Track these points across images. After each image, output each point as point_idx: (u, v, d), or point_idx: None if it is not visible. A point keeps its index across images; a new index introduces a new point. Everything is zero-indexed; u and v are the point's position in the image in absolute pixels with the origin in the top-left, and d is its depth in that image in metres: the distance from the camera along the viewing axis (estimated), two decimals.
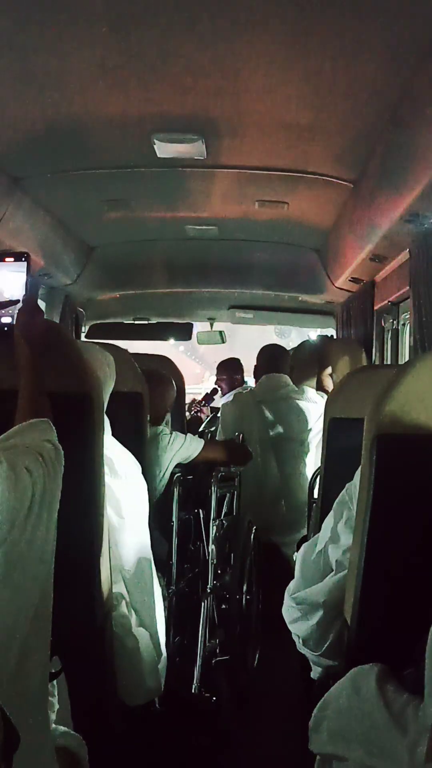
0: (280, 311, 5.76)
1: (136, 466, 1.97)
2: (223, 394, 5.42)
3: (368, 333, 4.19)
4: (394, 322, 4.00)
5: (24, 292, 1.68)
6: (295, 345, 5.46)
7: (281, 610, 1.97)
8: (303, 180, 3.05)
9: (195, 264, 4.81)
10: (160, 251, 4.60)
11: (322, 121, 2.46)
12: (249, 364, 4.90)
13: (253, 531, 3.34)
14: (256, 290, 5.26)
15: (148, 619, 1.95)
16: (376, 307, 4.11)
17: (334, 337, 5.24)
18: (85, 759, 1.41)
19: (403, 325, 3.95)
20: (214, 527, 2.98)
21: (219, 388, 5.59)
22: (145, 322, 5.97)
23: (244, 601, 3.07)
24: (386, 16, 1.75)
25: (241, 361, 5.52)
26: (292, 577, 1.97)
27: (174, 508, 2.92)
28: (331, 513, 1.83)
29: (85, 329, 5.53)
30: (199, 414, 5.97)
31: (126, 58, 2.05)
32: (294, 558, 2.14)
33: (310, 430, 3.76)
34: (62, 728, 1.42)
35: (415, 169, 2.34)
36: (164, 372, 3.39)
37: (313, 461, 3.71)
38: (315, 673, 1.95)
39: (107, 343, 2.45)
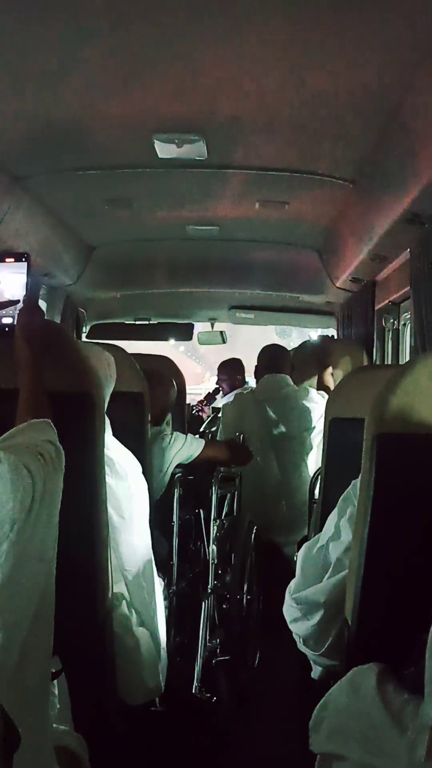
0: (280, 311, 5.77)
1: (136, 466, 1.97)
2: (224, 394, 5.42)
3: (369, 333, 4.19)
4: (395, 321, 4.00)
5: (24, 293, 1.69)
6: (296, 345, 5.47)
7: (281, 610, 1.97)
8: (304, 180, 3.06)
9: (196, 264, 4.81)
10: (161, 251, 4.60)
11: (322, 121, 2.46)
12: (250, 364, 4.90)
13: (254, 531, 3.34)
14: (257, 290, 5.26)
15: (149, 618, 1.95)
16: (376, 307, 4.11)
17: (335, 337, 5.24)
18: (85, 759, 1.41)
19: (404, 325, 3.95)
20: (215, 527, 2.98)
21: (220, 388, 5.59)
22: (146, 322, 5.97)
23: (244, 601, 3.07)
24: (387, 15, 1.75)
25: (242, 362, 5.52)
26: (293, 577, 1.97)
27: (175, 508, 2.92)
28: (335, 509, 1.83)
29: (86, 329, 5.53)
30: (200, 414, 5.97)
31: (127, 58, 2.05)
32: (295, 558, 2.14)
33: (311, 430, 3.76)
34: (62, 728, 1.42)
35: (415, 169, 2.34)
36: (165, 372, 3.39)
37: (313, 461, 3.71)
38: (315, 672, 1.95)
39: (108, 343, 2.45)
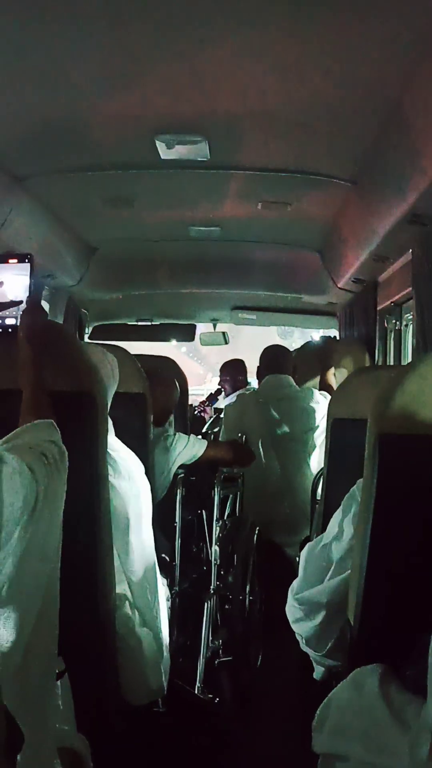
0: (282, 312, 5.77)
1: (139, 467, 1.97)
2: (227, 395, 5.42)
3: (371, 333, 4.19)
4: (397, 322, 4.00)
5: (27, 294, 1.69)
6: (298, 346, 5.47)
7: (284, 611, 1.97)
8: (306, 180, 3.06)
9: (198, 265, 4.81)
10: (163, 252, 4.60)
11: (324, 122, 2.46)
12: (252, 364, 4.90)
13: (256, 531, 3.34)
14: (259, 291, 5.27)
15: (152, 619, 1.95)
16: (378, 308, 4.11)
17: (337, 337, 5.25)
18: (87, 759, 1.42)
19: (406, 325, 3.95)
20: (217, 528, 2.98)
21: (222, 389, 5.59)
22: (148, 323, 5.98)
23: (246, 602, 3.07)
24: (387, 15, 1.76)
25: (245, 362, 5.52)
26: (295, 578, 1.97)
27: (177, 509, 2.92)
28: (340, 508, 1.83)
29: (88, 330, 5.54)
30: (202, 414, 5.97)
31: (128, 58, 2.05)
32: (297, 558, 2.14)
33: (314, 430, 3.76)
34: (65, 728, 1.42)
35: (417, 170, 2.34)
36: (167, 373, 3.39)
37: (316, 462, 3.71)
38: (318, 673, 1.95)
39: (110, 344, 2.45)
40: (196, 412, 5.93)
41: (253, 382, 4.90)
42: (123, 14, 1.81)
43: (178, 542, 2.89)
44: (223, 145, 2.70)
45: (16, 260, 1.71)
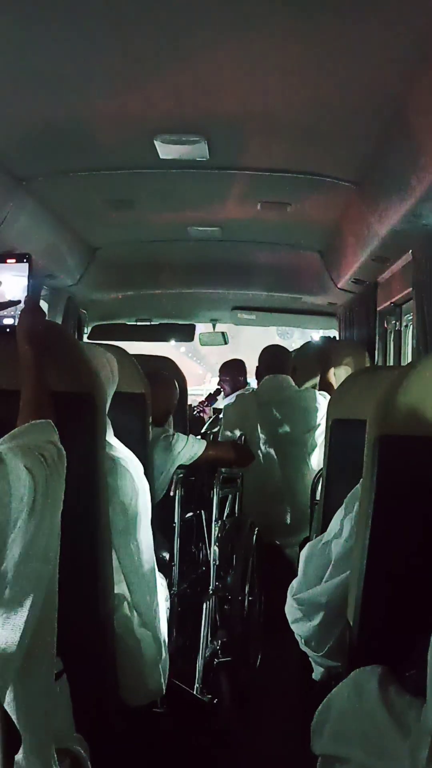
0: (282, 312, 5.77)
1: (138, 467, 1.97)
2: (226, 395, 5.42)
3: (371, 334, 4.19)
4: (397, 323, 4.00)
5: (26, 293, 1.69)
6: (298, 346, 5.47)
7: (283, 612, 1.97)
8: (306, 181, 3.06)
9: (198, 265, 4.81)
10: (163, 252, 4.60)
11: (325, 123, 2.46)
12: (251, 365, 4.90)
13: (256, 532, 3.34)
14: (259, 291, 5.27)
15: (150, 619, 1.94)
16: (378, 309, 4.11)
17: (337, 338, 5.25)
18: (86, 760, 1.41)
19: (406, 326, 3.95)
20: (216, 528, 2.98)
21: (222, 389, 5.59)
22: (148, 323, 5.98)
23: (246, 603, 3.07)
24: (389, 16, 1.75)
25: (245, 363, 5.52)
26: (295, 578, 1.97)
27: (176, 509, 2.92)
28: (342, 507, 1.83)
29: (87, 330, 5.54)
30: (201, 414, 5.97)
31: (129, 59, 2.05)
32: (296, 559, 2.14)
33: (313, 430, 3.76)
34: (64, 729, 1.42)
35: (417, 171, 2.34)
36: (167, 373, 3.39)
37: (315, 462, 3.71)
38: (317, 674, 1.95)
39: (109, 344, 2.45)
40: (195, 412, 5.93)
41: (253, 382, 4.90)
42: (124, 16, 1.81)
43: (177, 543, 2.89)
44: (223, 145, 2.70)
45: (14, 260, 1.71)
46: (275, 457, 3.80)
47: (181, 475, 2.99)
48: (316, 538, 2.00)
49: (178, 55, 2.02)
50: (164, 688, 2.01)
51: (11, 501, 1.11)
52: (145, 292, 5.33)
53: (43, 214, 3.36)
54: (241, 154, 2.85)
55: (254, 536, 3.31)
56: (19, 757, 1.11)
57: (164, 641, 2.02)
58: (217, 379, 5.72)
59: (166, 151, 2.69)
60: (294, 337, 11.74)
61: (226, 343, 6.52)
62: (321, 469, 2.77)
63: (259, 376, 4.04)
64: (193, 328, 6.31)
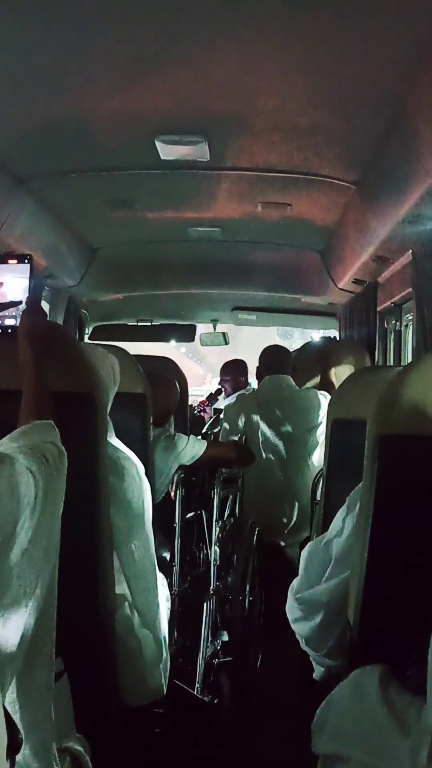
0: (282, 313, 5.76)
1: (139, 468, 1.97)
2: (227, 396, 5.42)
3: (371, 334, 4.19)
4: (397, 323, 4.00)
5: (27, 294, 1.69)
6: (298, 346, 5.47)
7: (283, 612, 1.97)
8: (306, 182, 3.06)
9: (198, 265, 4.82)
10: (164, 253, 4.61)
11: (325, 123, 2.46)
12: (251, 365, 4.91)
13: (256, 532, 3.34)
14: (259, 292, 5.27)
15: (151, 619, 1.95)
16: (379, 309, 4.11)
17: (337, 338, 5.25)
18: (87, 759, 1.42)
19: (406, 326, 3.95)
20: (217, 528, 2.98)
21: (222, 389, 5.59)
22: (149, 323, 5.97)
23: (246, 603, 3.07)
24: (389, 16, 1.76)
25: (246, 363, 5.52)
26: (295, 578, 1.97)
27: (177, 510, 2.92)
28: (344, 505, 1.83)
29: (88, 331, 5.54)
30: (202, 415, 5.97)
31: (129, 59, 2.05)
32: (297, 559, 2.14)
33: (314, 430, 3.76)
34: (64, 728, 1.42)
35: (417, 171, 2.34)
36: (167, 373, 3.40)
37: (316, 462, 3.71)
38: (317, 673, 1.95)
39: (110, 345, 2.45)
40: (195, 412, 5.93)
41: (253, 382, 4.90)
42: (124, 16, 1.81)
43: (177, 543, 2.89)
44: (223, 145, 2.70)
45: (15, 261, 1.71)
46: (276, 457, 3.80)
47: (182, 476, 3.00)
48: (316, 537, 2.00)
49: (178, 55, 2.02)
50: (165, 688, 2.01)
51: (12, 501, 1.11)
52: (145, 292, 5.33)
53: (43, 214, 3.37)
54: (242, 155, 2.85)
55: (255, 536, 3.31)
56: (20, 756, 1.12)
57: (165, 641, 2.02)
58: (218, 379, 5.72)
59: (166, 151, 2.69)
60: (294, 337, 11.74)
61: (226, 343, 6.52)
62: (321, 468, 2.77)
63: (259, 376, 4.04)
64: (193, 328, 6.31)
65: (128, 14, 1.80)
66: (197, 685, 2.68)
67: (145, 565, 1.94)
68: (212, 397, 6.11)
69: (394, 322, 4.04)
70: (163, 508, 2.83)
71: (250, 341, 9.40)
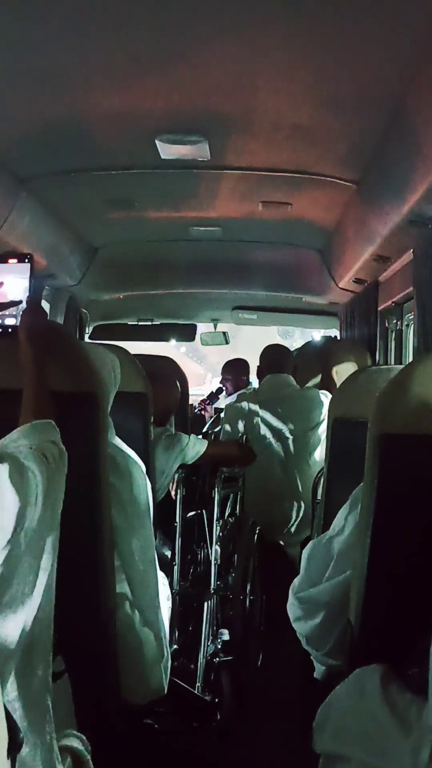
0: (283, 312, 5.76)
1: (140, 467, 1.98)
2: (228, 395, 5.42)
3: (372, 334, 4.19)
4: (398, 322, 4.00)
5: (27, 294, 1.69)
6: (299, 345, 5.47)
7: (284, 611, 1.97)
8: (307, 181, 3.06)
9: (199, 265, 4.81)
10: (164, 252, 4.61)
11: (325, 122, 2.46)
12: (252, 364, 4.91)
13: (257, 531, 3.34)
14: (260, 291, 5.26)
15: (152, 618, 1.95)
16: (379, 308, 4.10)
17: (338, 337, 5.25)
18: (87, 758, 1.42)
19: (407, 325, 3.95)
20: (218, 527, 2.99)
21: (223, 388, 5.59)
22: (149, 323, 5.98)
23: (247, 602, 3.08)
24: (389, 15, 1.75)
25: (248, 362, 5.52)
26: (296, 577, 1.97)
27: (177, 509, 2.92)
28: (347, 503, 1.83)
29: (88, 330, 5.54)
30: (202, 413, 5.97)
31: (129, 58, 2.05)
32: (298, 558, 2.14)
33: (314, 429, 3.76)
34: (65, 728, 1.42)
35: (418, 170, 2.34)
36: (168, 373, 3.40)
37: (317, 462, 3.71)
38: (318, 672, 1.95)
39: (111, 344, 2.46)
40: (196, 411, 5.92)
41: (255, 381, 4.90)
42: (125, 16, 1.81)
43: (178, 542, 2.89)
44: (223, 145, 2.70)
45: (16, 260, 1.71)
46: (276, 456, 3.80)
47: (183, 475, 3.00)
48: (317, 537, 2.00)
49: (178, 54, 2.02)
50: (165, 687, 2.01)
51: (13, 500, 1.12)
52: (146, 292, 5.33)
53: (44, 214, 3.36)
54: (242, 154, 2.85)
55: (255, 535, 3.31)
56: (21, 755, 1.12)
57: (165, 640, 2.02)
58: (218, 378, 5.72)
59: (167, 151, 2.69)
60: (295, 337, 11.73)
61: (227, 342, 6.51)
62: (322, 468, 2.77)
63: (260, 375, 4.04)
64: (194, 328, 6.31)
65: (128, 14, 1.80)
66: (198, 684, 2.68)
67: (146, 564, 1.94)
68: (213, 396, 6.10)
69: (395, 321, 4.03)
70: (163, 507, 2.83)
71: (250, 341, 9.41)
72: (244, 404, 3.97)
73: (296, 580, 1.94)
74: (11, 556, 1.11)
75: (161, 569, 2.10)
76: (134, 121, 2.49)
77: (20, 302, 1.68)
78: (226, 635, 2.85)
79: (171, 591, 2.68)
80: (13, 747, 1.06)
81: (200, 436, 3.43)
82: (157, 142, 2.61)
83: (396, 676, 1.37)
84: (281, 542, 3.72)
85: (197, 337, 6.46)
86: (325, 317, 5.52)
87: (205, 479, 3.13)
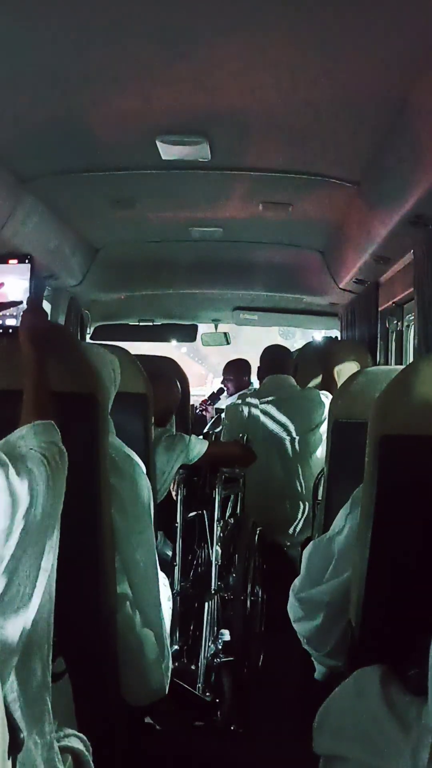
0: (284, 312, 5.76)
1: (140, 467, 1.98)
2: (229, 395, 5.42)
3: (372, 334, 4.19)
4: (399, 323, 4.00)
5: (28, 294, 1.69)
6: (300, 346, 5.47)
7: (285, 612, 1.97)
8: (307, 181, 3.06)
9: (199, 265, 4.82)
10: (165, 252, 4.61)
11: (326, 122, 2.46)
12: (253, 365, 4.90)
13: (258, 532, 3.34)
14: (261, 292, 5.27)
15: (153, 619, 1.95)
16: (380, 309, 4.11)
17: (339, 338, 5.25)
18: (88, 759, 1.42)
19: (408, 326, 3.95)
20: (219, 528, 2.99)
21: (225, 388, 5.59)
22: (150, 323, 5.98)
23: (248, 602, 3.08)
24: (391, 17, 1.75)
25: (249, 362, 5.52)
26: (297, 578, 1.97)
27: (178, 509, 2.92)
28: (348, 502, 1.83)
29: (90, 330, 5.54)
30: (203, 414, 5.97)
31: (130, 59, 2.05)
32: (299, 559, 2.14)
33: (315, 430, 3.76)
34: (66, 728, 1.42)
35: (419, 171, 2.34)
36: (169, 373, 3.40)
37: (317, 462, 3.71)
38: (318, 673, 1.96)
39: (111, 345, 2.46)
40: (197, 412, 5.92)
41: (256, 382, 4.90)
42: (126, 16, 1.81)
43: (179, 542, 2.89)
44: (224, 146, 2.70)
45: (16, 261, 1.71)
46: (277, 456, 3.80)
47: (184, 475, 3.00)
48: (318, 537, 2.01)
49: (179, 55, 2.02)
50: (166, 687, 2.02)
51: (13, 501, 1.12)
52: (147, 292, 5.33)
53: (44, 214, 3.37)
54: (243, 155, 2.86)
55: (256, 536, 3.31)
56: (22, 755, 1.12)
57: (166, 641, 2.02)
58: (219, 379, 5.72)
59: (168, 151, 2.69)
60: (296, 337, 11.72)
61: (228, 343, 6.51)
62: (323, 468, 2.77)
63: (260, 376, 4.04)
64: (195, 328, 6.31)
65: (130, 14, 1.80)
66: (198, 684, 2.68)
67: (147, 565, 1.94)
68: (214, 397, 6.11)
69: (395, 322, 4.04)
70: (164, 507, 2.83)
71: (251, 341, 9.40)
72: (245, 405, 3.97)
73: (297, 581, 1.94)
74: (13, 555, 1.11)
75: (162, 570, 2.10)
76: (135, 122, 2.50)
77: (21, 303, 1.68)
78: (226, 636, 2.85)
79: (172, 591, 2.68)
80: (14, 747, 1.07)
81: (201, 437, 3.43)
82: (157, 142, 2.61)
83: (396, 677, 1.37)
84: (282, 543, 3.72)
85: (198, 337, 6.46)
86: (325, 318, 5.53)
87: (205, 480, 3.13)
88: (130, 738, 1.93)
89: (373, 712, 1.33)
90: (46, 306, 4.46)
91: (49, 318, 1.82)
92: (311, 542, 1.98)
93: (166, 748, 2.32)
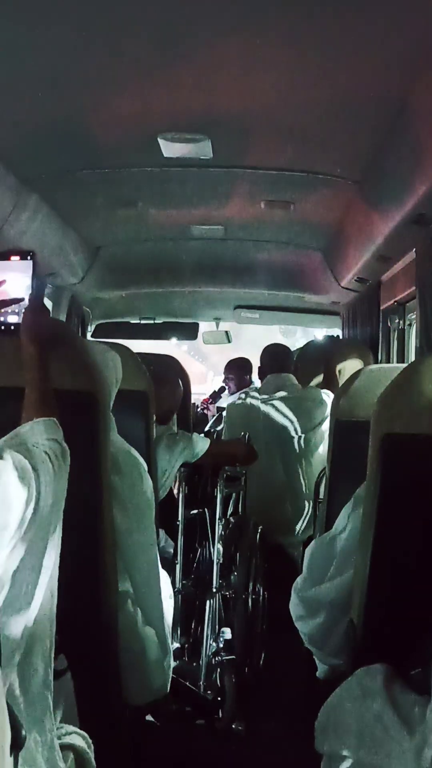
0: (285, 311, 5.77)
1: (141, 465, 1.97)
2: (231, 393, 5.42)
3: (374, 333, 4.19)
4: (400, 322, 4.00)
5: (30, 291, 1.68)
6: (301, 345, 5.47)
7: (287, 610, 1.97)
8: (309, 180, 3.05)
9: (201, 264, 4.82)
10: (166, 251, 4.61)
11: (328, 122, 2.46)
12: (254, 363, 4.90)
13: (259, 531, 3.34)
14: (262, 290, 5.27)
15: (155, 617, 1.95)
16: (382, 307, 4.10)
17: (340, 337, 5.25)
18: (90, 757, 1.42)
19: (409, 325, 3.95)
20: (220, 526, 2.99)
21: (226, 387, 5.59)
22: (151, 321, 5.98)
23: (249, 601, 3.08)
24: (391, 15, 1.75)
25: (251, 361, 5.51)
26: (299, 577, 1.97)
27: (180, 508, 2.92)
28: (350, 501, 1.83)
29: (91, 328, 5.54)
30: (205, 412, 5.97)
31: (131, 58, 2.05)
32: (300, 559, 2.14)
33: (316, 429, 3.76)
34: (68, 726, 1.42)
35: (421, 169, 2.34)
36: (170, 371, 3.40)
37: (319, 461, 3.71)
38: (321, 672, 1.96)
39: (113, 342, 2.45)
40: (199, 410, 5.92)
41: (257, 381, 4.90)
42: (127, 15, 1.81)
43: (180, 541, 2.89)
44: (226, 144, 2.70)
45: (18, 257, 1.70)
46: (278, 455, 3.80)
47: (185, 473, 3.00)
48: (320, 536, 2.01)
49: (181, 54, 2.02)
50: (168, 685, 2.01)
51: (15, 498, 1.12)
52: (148, 290, 5.33)
53: (46, 213, 3.37)
54: (245, 153, 2.85)
55: (258, 534, 3.31)
56: (23, 753, 1.12)
57: (168, 639, 2.02)
58: (220, 377, 5.72)
59: (169, 149, 2.69)
60: (297, 336, 11.72)
61: (229, 341, 6.52)
62: (325, 467, 2.77)
63: (261, 374, 4.04)
64: (196, 326, 6.32)
65: (131, 14, 1.80)
66: (200, 683, 2.68)
67: (148, 563, 1.94)
68: (216, 395, 6.11)
69: (397, 320, 4.03)
70: (166, 505, 2.83)
71: (252, 339, 9.39)
72: (247, 403, 3.97)
73: (299, 580, 1.94)
74: (14, 553, 1.11)
75: (163, 568, 2.10)
76: (137, 120, 2.49)
77: (22, 300, 1.68)
78: (228, 634, 2.85)
79: (173, 590, 2.68)
80: (15, 744, 1.06)
81: (202, 435, 3.43)
82: (159, 140, 2.61)
83: (399, 676, 1.37)
84: (283, 542, 3.72)
85: (199, 335, 6.46)
86: (327, 316, 5.53)
87: (207, 478, 3.13)
88: (132, 736, 1.93)
89: (376, 711, 1.33)
90: (48, 304, 4.46)
91: (50, 316, 1.82)
92: (313, 541, 1.98)
93: (167, 746, 2.32)
